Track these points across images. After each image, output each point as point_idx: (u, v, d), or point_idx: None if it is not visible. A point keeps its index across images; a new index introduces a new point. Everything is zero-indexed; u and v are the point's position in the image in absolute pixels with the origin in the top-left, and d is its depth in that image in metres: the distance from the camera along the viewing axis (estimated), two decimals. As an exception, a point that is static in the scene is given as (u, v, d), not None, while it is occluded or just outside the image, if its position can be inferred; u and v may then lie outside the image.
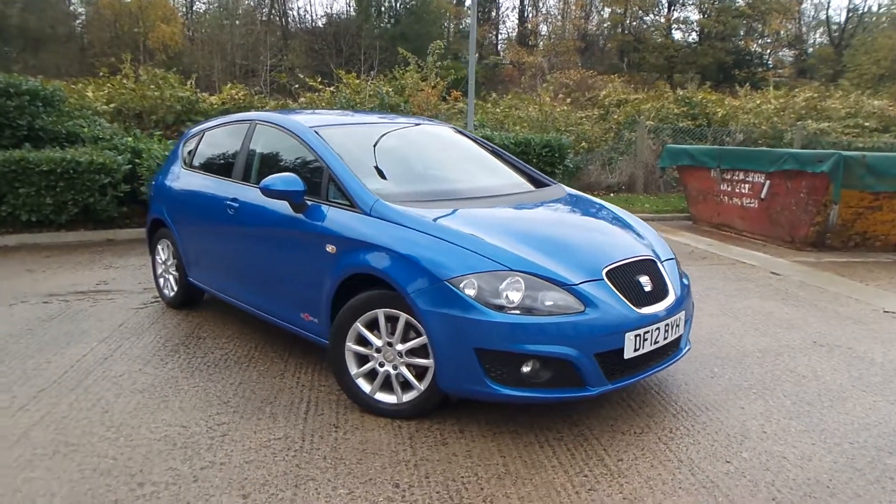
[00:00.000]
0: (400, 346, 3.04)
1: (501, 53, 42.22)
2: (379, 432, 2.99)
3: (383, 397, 3.14)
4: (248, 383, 3.56)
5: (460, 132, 4.65)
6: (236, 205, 3.98)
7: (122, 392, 3.44)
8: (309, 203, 3.47)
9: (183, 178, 4.75)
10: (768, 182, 7.72)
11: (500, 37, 45.28)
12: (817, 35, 46.84)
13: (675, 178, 11.99)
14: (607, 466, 2.71)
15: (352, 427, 3.04)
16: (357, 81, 12.40)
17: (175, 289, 4.93)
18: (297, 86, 13.06)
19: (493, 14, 44.38)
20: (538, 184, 4.13)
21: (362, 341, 3.16)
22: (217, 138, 4.67)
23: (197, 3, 39.57)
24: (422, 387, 3.03)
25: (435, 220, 3.09)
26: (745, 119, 13.02)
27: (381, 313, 3.05)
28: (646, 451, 2.84)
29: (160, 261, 5.09)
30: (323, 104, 11.81)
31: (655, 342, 3.02)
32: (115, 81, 11.29)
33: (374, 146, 3.87)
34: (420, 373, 3.06)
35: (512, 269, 2.81)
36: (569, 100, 13.54)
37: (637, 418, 3.16)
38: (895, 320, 4.84)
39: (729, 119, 13.27)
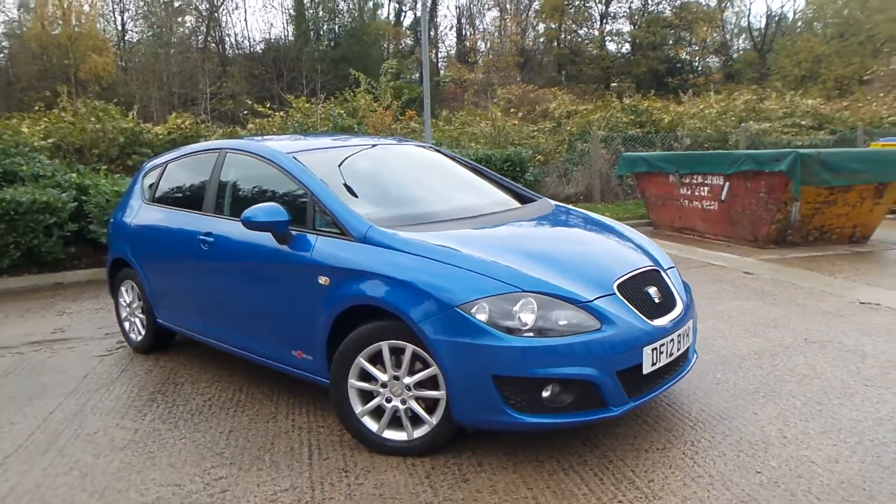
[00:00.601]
0: (408, 380, 2.86)
1: (442, 71, 42.53)
2: (393, 473, 2.80)
3: (392, 435, 2.95)
4: (239, 430, 3.31)
5: (438, 150, 4.53)
6: (211, 239, 3.74)
7: (100, 451, 3.15)
8: (294, 233, 3.28)
9: (145, 214, 4.47)
10: (728, 184, 7.87)
11: (439, 55, 45.62)
12: (740, 41, 48.99)
13: (631, 186, 12.18)
14: (640, 489, 2.60)
15: (362, 470, 2.84)
16: (307, 105, 12.18)
17: (143, 332, 4.61)
18: (245, 112, 12.71)
19: (433, 33, 44.75)
20: (524, 199, 4.03)
21: (366, 377, 2.97)
22: (181, 170, 4.41)
23: (129, 32, 38.49)
24: (433, 420, 2.86)
25: (433, 243, 2.93)
26: (691, 124, 13.36)
27: (385, 346, 2.88)
28: (674, 469, 2.74)
29: (124, 303, 4.76)
30: (274, 129, 11.53)
31: (670, 354, 2.94)
32: (53, 115, 10.75)
33: (355, 170, 3.71)
34: (429, 406, 2.89)
35: (524, 290, 2.69)
36: (520, 113, 13.64)
37: (656, 434, 3.07)
38: (873, 311, 4.94)
39: (675, 125, 13.59)
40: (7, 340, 5.12)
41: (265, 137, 4.33)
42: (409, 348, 2.83)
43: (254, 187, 3.79)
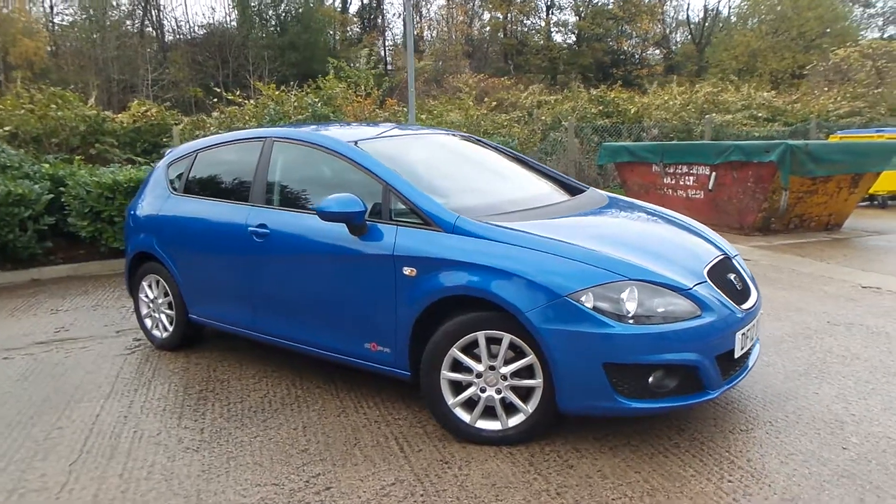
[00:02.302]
0: (505, 369, 2.87)
1: (389, 59, 42.11)
2: (495, 462, 2.80)
3: (485, 425, 2.95)
4: (313, 426, 3.24)
5: (479, 140, 4.51)
6: (265, 231, 3.63)
7: (173, 454, 3.02)
8: (368, 224, 3.22)
9: (176, 206, 4.28)
10: (714, 173, 8.14)
11: (387, 43, 45.12)
12: (678, 34, 50.61)
13: (601, 175, 12.42)
14: (743, 469, 2.69)
15: (462, 461, 2.83)
16: (278, 93, 11.87)
17: (170, 329, 4.44)
18: (215, 99, 12.29)
19: (380, 21, 44.32)
20: (574, 189, 4.07)
21: (457, 368, 2.96)
22: (217, 160, 4.25)
23: (60, 15, 36.45)
24: (529, 409, 2.88)
25: (529, 233, 2.94)
26: (658, 115, 13.74)
27: (481, 336, 2.87)
28: (766, 448, 2.85)
29: (146, 299, 4.57)
30: (247, 118, 11.19)
31: (751, 339, 3.05)
32: (10, 101, 10.12)
33: (415, 160, 3.67)
34: (521, 395, 2.91)
35: (629, 279, 2.73)
36: (493, 103, 13.71)
37: (732, 415, 3.18)
38: (878, 295, 5.23)
39: (642, 115, 13.94)
40: (10, 341, 4.83)
41: (305, 126, 4.22)
42: (507, 338, 2.84)
43: (312, 177, 3.69)
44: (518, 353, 2.86)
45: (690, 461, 2.77)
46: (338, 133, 3.72)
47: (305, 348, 3.62)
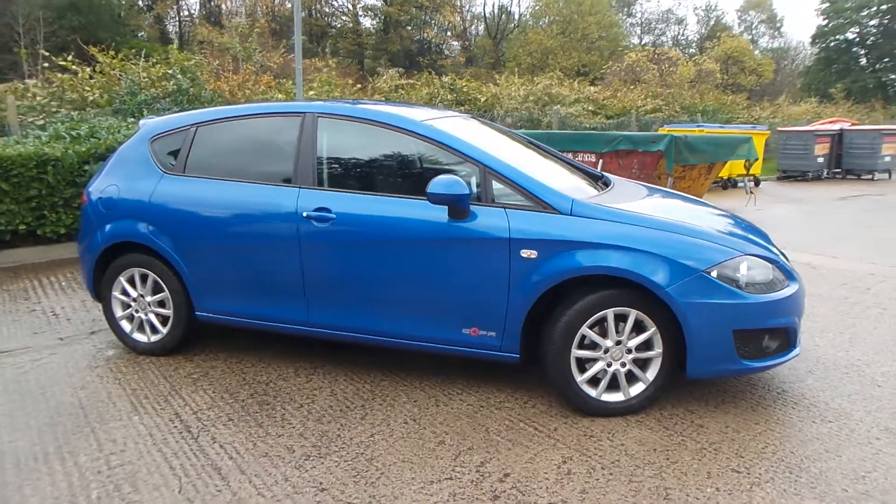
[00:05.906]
0: (632, 343, 3.03)
1: (189, 33, 38.77)
2: (636, 431, 2.96)
3: (609, 397, 3.09)
4: (423, 419, 3.10)
5: (491, 123, 4.53)
6: (330, 215, 3.34)
7: (297, 463, 2.73)
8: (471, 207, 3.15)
9: (180, 188, 3.72)
10: (601, 160, 8.92)
11: (181, 13, 41.37)
12: (473, 28, 53.48)
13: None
14: (830, 410, 3.15)
15: (604, 433, 2.94)
16: (120, 62, 10.48)
17: (163, 330, 3.87)
18: (45, 65, 10.30)
19: (173, -12, 40.43)
20: (594, 175, 4.29)
21: (582, 344, 3.05)
22: (229, 136, 3.77)
23: None
24: (650, 378, 3.08)
25: (645, 214, 3.12)
26: (510, 104, 14.55)
27: (610, 313, 3.00)
28: (827, 392, 3.35)
29: (125, 298, 3.92)
30: (88, 89, 9.72)
31: (800, 302, 3.56)
32: None
33: (486, 144, 3.61)
34: (639, 366, 3.10)
35: (745, 254, 3.03)
36: (357, 86, 13.42)
37: (773, 373, 3.66)
38: (778, 264, 6.24)
39: (493, 104, 14.66)
40: (-78, 359, 3.85)
41: (356, 102, 3.90)
42: (633, 313, 3.00)
43: (380, 158, 3.47)
44: (637, 328, 3.05)
45: (787, 409, 3.18)
46: (405, 112, 3.53)
47: (381, 339, 3.41)
